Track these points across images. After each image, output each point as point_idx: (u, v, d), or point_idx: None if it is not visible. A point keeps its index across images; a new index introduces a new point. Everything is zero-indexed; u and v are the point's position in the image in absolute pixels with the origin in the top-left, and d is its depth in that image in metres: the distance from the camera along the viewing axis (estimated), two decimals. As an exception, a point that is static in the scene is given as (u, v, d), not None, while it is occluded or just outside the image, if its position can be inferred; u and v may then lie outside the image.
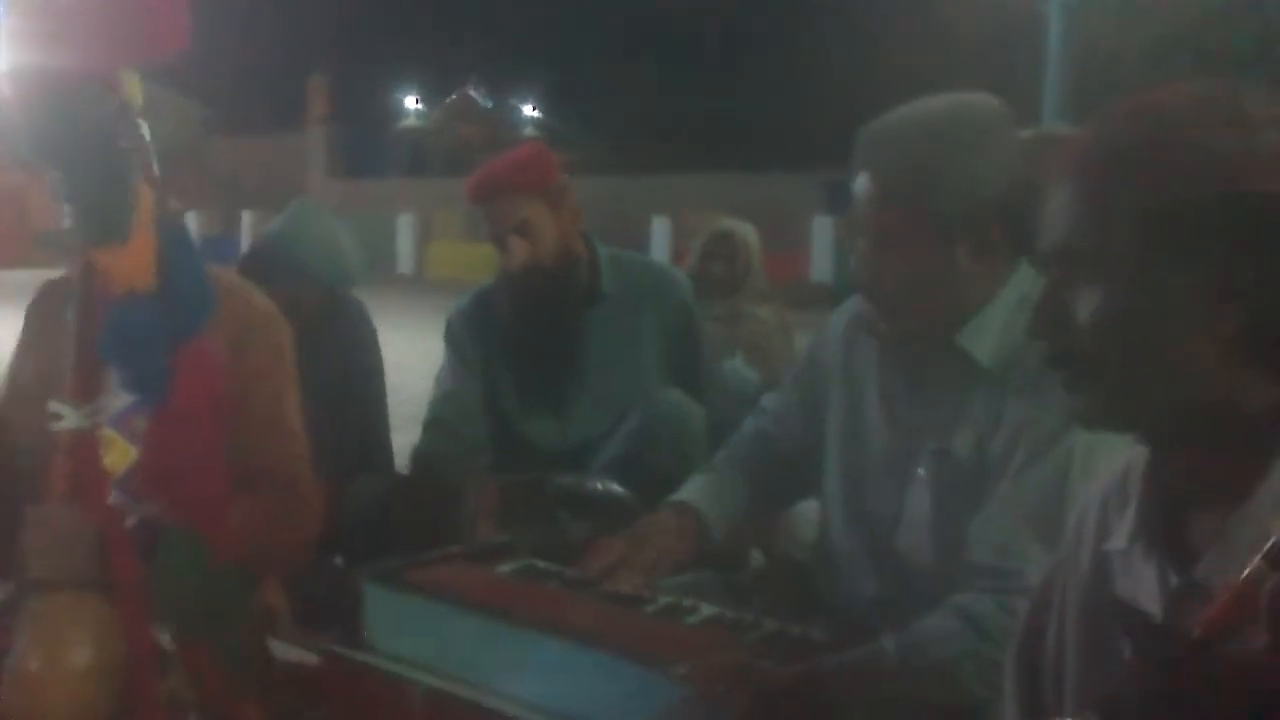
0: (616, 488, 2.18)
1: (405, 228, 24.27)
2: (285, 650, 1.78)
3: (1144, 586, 1.01)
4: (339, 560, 2.52)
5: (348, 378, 2.69)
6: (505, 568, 1.79)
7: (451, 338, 2.63)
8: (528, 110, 30.31)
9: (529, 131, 28.50)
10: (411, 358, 6.04)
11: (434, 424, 2.54)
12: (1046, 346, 1.03)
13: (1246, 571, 0.78)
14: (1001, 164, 1.52)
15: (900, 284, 1.56)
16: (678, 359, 2.55)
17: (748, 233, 4.18)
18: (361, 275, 2.85)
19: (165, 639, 1.45)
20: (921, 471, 1.61)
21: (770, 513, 1.99)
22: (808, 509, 2.02)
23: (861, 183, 1.57)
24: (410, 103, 31.13)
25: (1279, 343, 0.94)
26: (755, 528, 2.22)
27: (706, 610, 1.62)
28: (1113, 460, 1.12)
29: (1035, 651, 1.16)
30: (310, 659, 1.73)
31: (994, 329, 1.57)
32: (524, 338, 2.51)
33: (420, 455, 2.49)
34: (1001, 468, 1.52)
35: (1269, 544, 0.77)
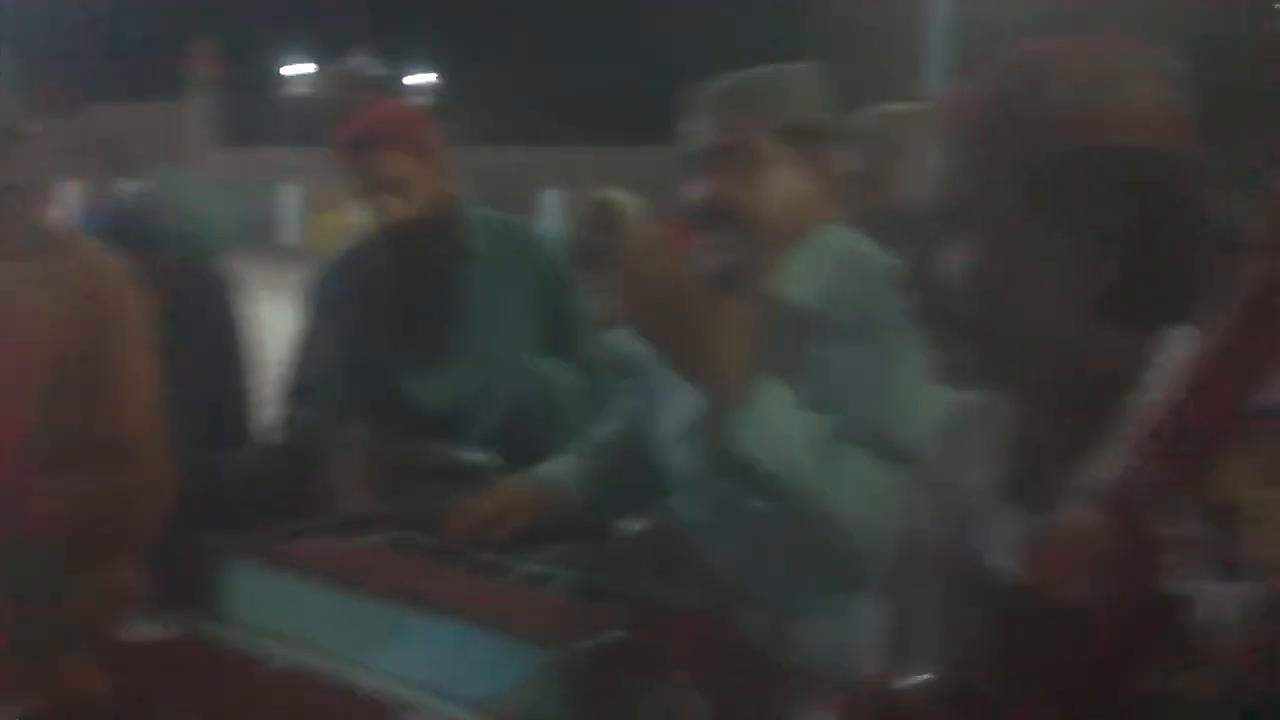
0: (489, 458, 2.16)
1: (293, 197, 23.80)
2: (143, 628, 1.73)
3: (1000, 534, 1.02)
4: (208, 535, 2.45)
5: (215, 349, 2.62)
6: (372, 539, 1.77)
7: (315, 300, 2.58)
8: (420, 78, 29.85)
9: (421, 99, 28.09)
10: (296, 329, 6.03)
11: (299, 392, 2.49)
12: (917, 304, 1.03)
13: (1072, 519, 0.79)
14: (824, 96, 1.71)
15: (752, 203, 1.64)
16: (552, 323, 2.53)
17: (630, 203, 4.16)
18: (230, 244, 2.78)
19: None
20: None
21: (646, 490, 2.00)
22: None
23: (708, 116, 1.68)
24: (300, 69, 30.49)
25: (1148, 299, 0.95)
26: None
27: (568, 578, 1.62)
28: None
29: (904, 580, 1.17)
30: (170, 636, 1.69)
31: (809, 272, 1.62)
32: (395, 295, 2.48)
33: (285, 424, 2.45)
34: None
35: (1096, 490, 0.78)
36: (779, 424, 1.51)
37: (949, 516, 1.10)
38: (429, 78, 31.32)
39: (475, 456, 2.18)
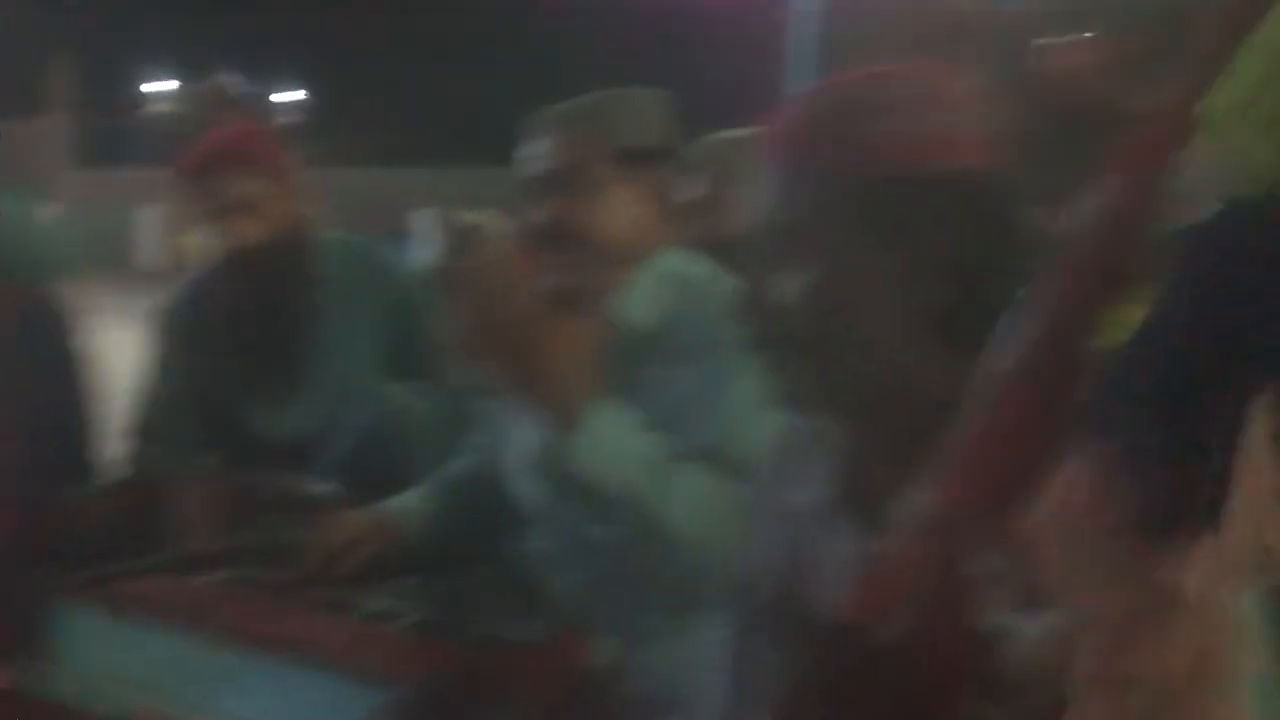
0: (334, 489, 2.12)
1: (152, 219, 23.15)
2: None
3: (833, 553, 1.02)
4: (42, 575, 2.35)
5: (52, 378, 2.52)
6: (212, 577, 1.71)
7: (161, 331, 2.50)
8: (285, 97, 29.31)
9: (284, 119, 27.60)
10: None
11: (144, 424, 2.41)
12: (751, 329, 1.03)
13: (884, 551, 0.79)
14: (662, 120, 1.74)
15: (591, 225, 1.66)
16: (406, 348, 2.48)
17: (495, 224, 4.13)
18: (73, 269, 2.67)
19: None
20: None
21: (499, 523, 1.99)
22: None
23: (545, 141, 1.71)
24: (161, 89, 29.70)
25: (980, 323, 0.97)
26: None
27: (411, 614, 1.59)
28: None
29: (745, 600, 1.16)
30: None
31: (647, 296, 1.64)
32: (244, 323, 2.40)
33: (128, 458, 2.36)
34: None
35: (907, 522, 0.79)
36: (617, 446, 1.51)
37: (781, 542, 1.10)
38: (296, 97, 30.82)
39: (321, 488, 2.12)
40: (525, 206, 1.73)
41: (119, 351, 2.77)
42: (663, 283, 1.66)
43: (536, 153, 1.72)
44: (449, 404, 2.44)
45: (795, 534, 1.09)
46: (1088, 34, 3.33)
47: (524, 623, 1.57)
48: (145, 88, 31.52)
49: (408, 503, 1.87)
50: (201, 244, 2.43)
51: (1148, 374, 0.68)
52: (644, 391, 1.58)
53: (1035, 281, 0.76)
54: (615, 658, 1.48)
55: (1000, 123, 1.01)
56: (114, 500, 2.26)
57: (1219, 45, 0.69)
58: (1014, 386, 0.76)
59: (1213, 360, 0.66)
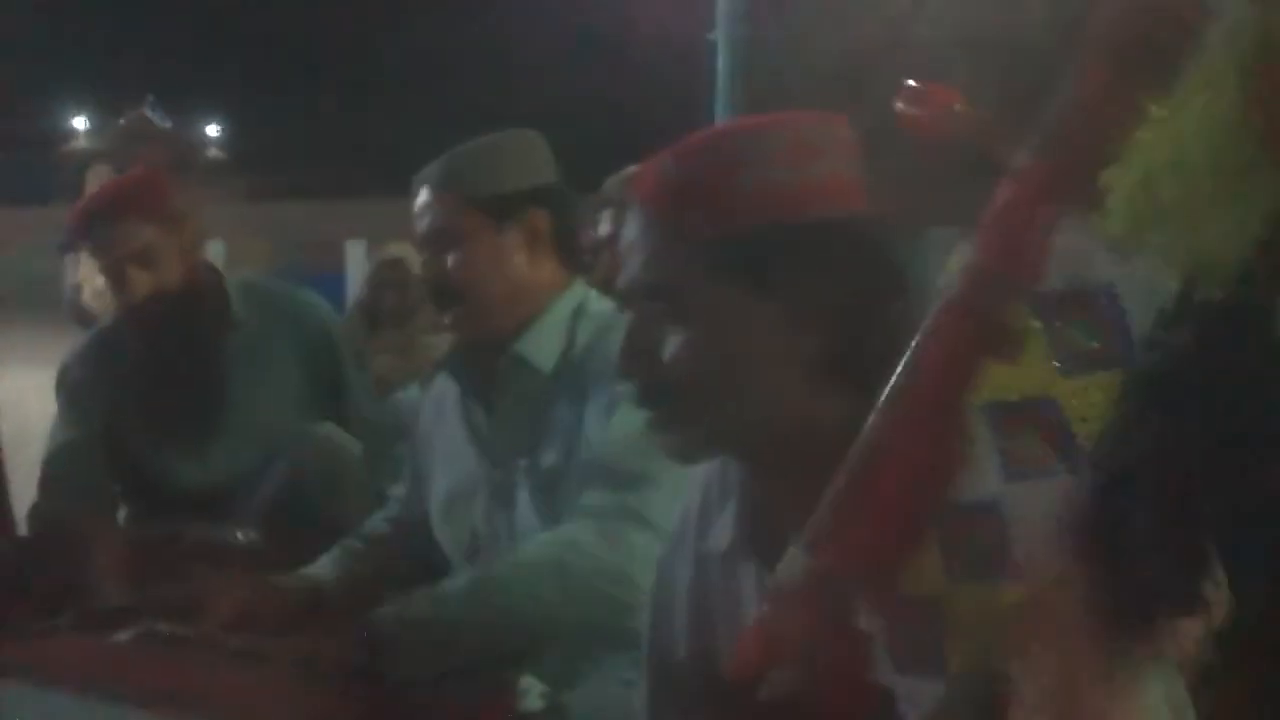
0: (252, 536, 2.06)
1: (74, 260, 22.74)
2: None
3: (744, 591, 1.02)
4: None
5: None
6: (122, 635, 1.65)
7: (65, 386, 2.43)
8: (210, 130, 29.02)
9: (212, 153, 27.34)
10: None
11: (50, 481, 2.34)
12: (636, 386, 1.02)
13: (767, 611, 0.78)
14: (528, 164, 1.72)
15: (469, 279, 1.66)
16: (324, 388, 2.44)
17: (418, 260, 4.08)
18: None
19: None
20: (522, 495, 1.62)
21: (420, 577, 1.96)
22: None
23: (420, 198, 1.70)
24: (79, 123, 29.28)
25: (855, 361, 0.96)
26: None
27: (334, 665, 1.54)
28: None
29: (655, 643, 1.16)
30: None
31: (552, 335, 1.65)
32: (150, 375, 2.35)
33: (36, 517, 2.27)
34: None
35: (791, 582, 0.77)
36: (533, 492, 1.55)
37: (697, 589, 1.09)
38: (223, 130, 30.50)
39: (238, 535, 2.07)
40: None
41: (40, 396, 2.68)
42: (563, 324, 1.66)
43: (415, 213, 1.72)
44: (375, 443, 2.40)
45: (708, 580, 1.07)
46: (951, 80, 3.42)
47: (449, 670, 1.52)
48: (73, 122, 31.10)
49: (322, 568, 1.83)
50: (107, 294, 2.37)
51: (1133, 466, 0.67)
52: (551, 433, 1.59)
53: (914, 338, 0.76)
54: (544, 703, 1.44)
55: (875, 166, 1.01)
56: (22, 555, 2.19)
57: (1089, 112, 0.69)
58: (890, 442, 0.75)
59: (1194, 455, 0.65)
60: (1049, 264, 0.70)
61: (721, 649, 1.05)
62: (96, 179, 5.09)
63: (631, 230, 1.02)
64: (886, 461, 0.75)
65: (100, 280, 2.44)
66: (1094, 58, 0.70)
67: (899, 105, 3.32)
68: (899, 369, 0.75)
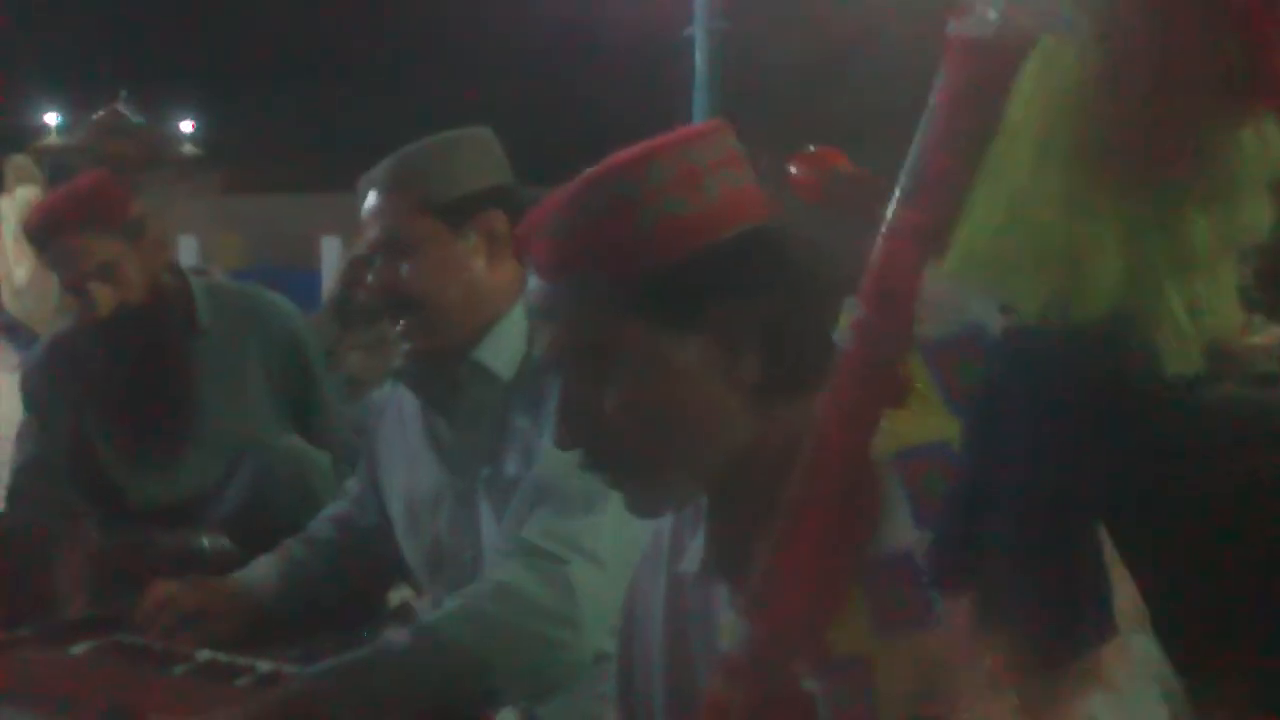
0: (218, 542, 2.02)
1: None
2: None
3: (718, 612, 1.00)
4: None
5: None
6: (82, 648, 1.62)
7: (28, 394, 2.38)
8: (184, 126, 28.78)
9: (186, 148, 27.12)
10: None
11: (17, 494, 2.29)
12: (583, 455, 0.98)
13: (708, 692, 0.76)
14: (482, 163, 1.64)
15: (424, 287, 1.59)
16: (293, 395, 2.39)
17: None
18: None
19: None
20: (484, 505, 1.58)
21: (364, 590, 1.93)
22: None
23: (369, 202, 1.63)
24: (50, 119, 29.02)
25: (800, 373, 0.94)
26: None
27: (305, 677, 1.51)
28: None
29: (624, 666, 1.14)
30: None
31: (511, 342, 1.59)
32: (115, 385, 2.29)
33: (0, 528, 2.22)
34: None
35: (731, 652, 0.76)
36: (496, 502, 1.52)
37: (671, 584, 1.07)
38: (197, 124, 30.30)
39: (204, 543, 2.03)
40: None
41: (13, 403, 2.63)
42: (522, 328, 1.59)
43: (363, 218, 1.64)
44: (342, 453, 2.37)
45: (683, 600, 1.05)
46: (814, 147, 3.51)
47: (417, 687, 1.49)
48: (45, 118, 30.84)
49: (257, 571, 1.80)
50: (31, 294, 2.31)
51: (988, 512, 0.66)
52: (512, 442, 1.55)
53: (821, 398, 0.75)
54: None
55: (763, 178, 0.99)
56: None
57: (939, 154, 0.68)
58: (806, 501, 0.74)
59: (1044, 490, 0.64)
60: (925, 309, 0.70)
61: (698, 670, 1.03)
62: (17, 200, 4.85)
63: (538, 296, 0.98)
64: (805, 520, 0.74)
65: (20, 277, 2.38)
66: (942, 98, 0.69)
67: (791, 170, 3.38)
68: (807, 430, 0.74)
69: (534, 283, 0.99)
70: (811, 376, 0.94)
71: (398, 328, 1.63)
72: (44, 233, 2.24)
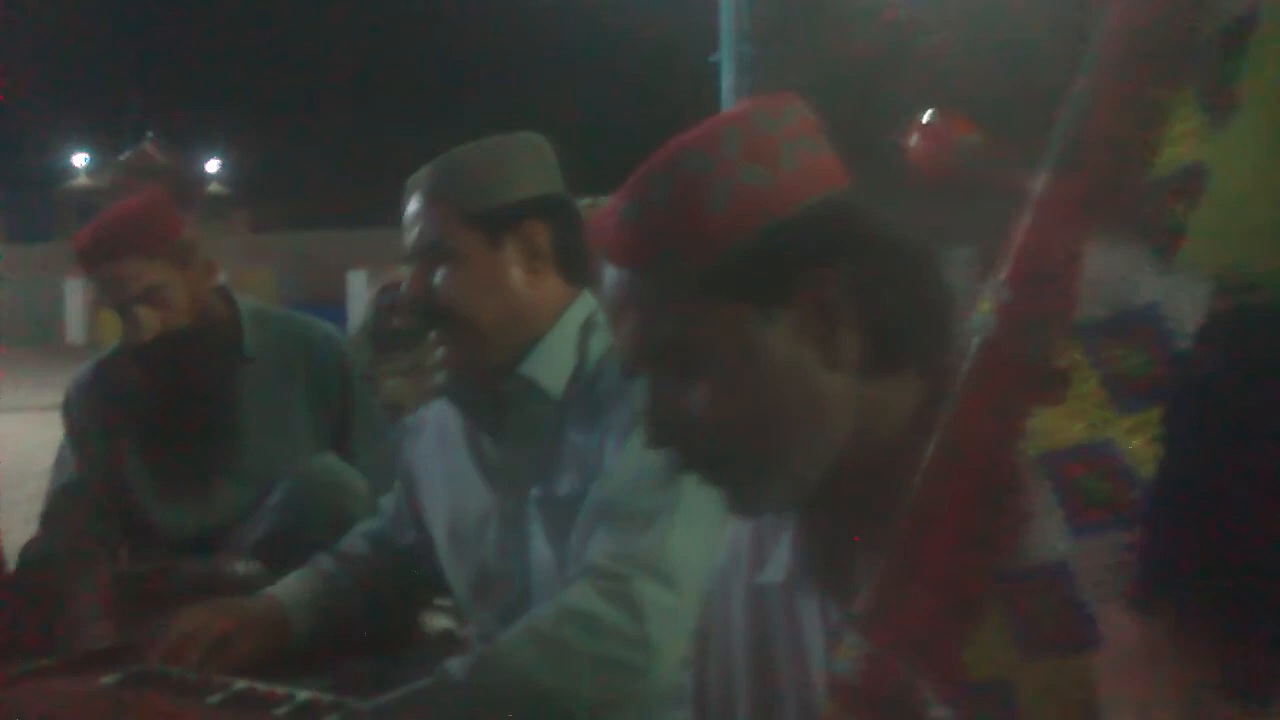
0: (256, 568, 1.95)
1: (74, 292, 22.69)
2: None
3: (806, 624, 0.93)
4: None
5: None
6: (110, 678, 1.55)
7: (69, 416, 2.33)
8: (210, 165, 29.03)
9: (214, 187, 27.38)
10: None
11: (52, 517, 2.23)
12: (676, 458, 0.91)
13: (837, 660, 0.68)
14: (527, 171, 1.56)
15: (460, 299, 1.51)
16: (337, 424, 2.33)
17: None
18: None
19: None
20: (534, 525, 1.51)
21: (397, 611, 1.85)
22: None
23: (410, 206, 1.55)
24: (80, 161, 29.32)
25: (897, 350, 0.87)
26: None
27: (348, 707, 1.43)
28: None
29: (699, 682, 1.06)
30: None
31: (560, 357, 1.52)
32: (156, 413, 2.24)
33: (29, 554, 2.16)
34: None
35: (852, 619, 0.67)
36: (547, 523, 1.45)
37: (753, 596, 0.99)
38: (220, 164, 30.53)
39: (236, 568, 1.96)
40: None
41: (40, 431, 2.58)
42: (571, 342, 1.53)
43: (404, 223, 1.56)
44: (384, 472, 2.30)
45: (766, 613, 0.97)
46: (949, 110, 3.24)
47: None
48: (72, 159, 31.16)
49: (287, 588, 1.72)
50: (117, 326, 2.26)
51: (1198, 519, 0.57)
52: (564, 460, 1.48)
53: (952, 395, 0.67)
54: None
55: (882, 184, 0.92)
56: (11, 594, 2.09)
57: (1106, 117, 0.60)
58: (938, 506, 0.67)
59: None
60: (1086, 290, 0.63)
61: (783, 688, 0.95)
62: None
63: (613, 293, 0.91)
64: (936, 528, 0.66)
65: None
66: (1107, 56, 0.61)
67: (909, 142, 3.15)
68: (939, 425, 0.66)
69: (609, 275, 0.92)
70: (913, 354, 0.87)
71: (435, 343, 1.55)
72: (92, 255, 2.19)
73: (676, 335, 0.88)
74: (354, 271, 21.67)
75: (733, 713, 1.02)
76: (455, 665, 1.35)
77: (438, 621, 1.99)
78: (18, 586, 2.07)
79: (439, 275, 1.52)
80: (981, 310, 0.66)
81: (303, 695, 1.47)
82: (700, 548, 1.31)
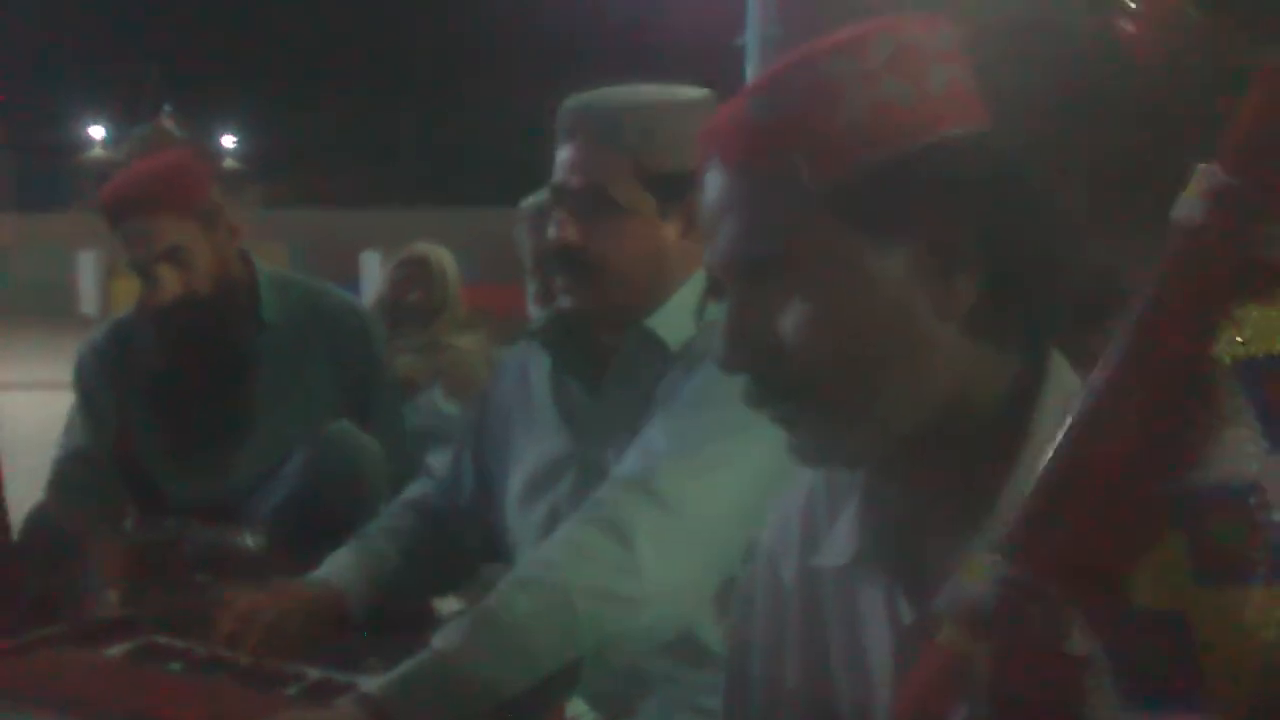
0: (262, 539, 1.89)
1: (88, 264, 22.66)
2: None
3: (868, 616, 0.85)
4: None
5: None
6: (118, 649, 1.48)
7: (82, 380, 2.26)
8: (226, 141, 29.01)
9: (229, 163, 27.35)
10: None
11: (59, 482, 2.17)
12: (753, 384, 0.83)
13: (937, 642, 0.60)
14: (690, 138, 1.40)
15: (615, 256, 1.42)
16: (355, 393, 2.27)
17: (443, 258, 3.91)
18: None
19: None
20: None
21: (444, 585, 1.78)
22: None
23: (569, 149, 1.44)
24: (96, 133, 29.31)
25: (1018, 309, 0.79)
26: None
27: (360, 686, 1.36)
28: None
29: (737, 660, 0.99)
30: None
31: (685, 313, 1.44)
32: (170, 377, 2.17)
33: (34, 519, 2.10)
34: None
35: (967, 597, 0.59)
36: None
37: (804, 579, 0.91)
38: (236, 140, 30.50)
39: (246, 539, 1.89)
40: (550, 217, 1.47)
41: (47, 401, 2.52)
42: (695, 302, 1.45)
43: (558, 157, 1.45)
44: (401, 444, 2.24)
45: (812, 606, 0.89)
46: None
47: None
48: (88, 130, 31.16)
49: (341, 566, 1.61)
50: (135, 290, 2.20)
51: None
52: (677, 409, 1.38)
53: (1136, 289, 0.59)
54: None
55: (993, 76, 0.83)
56: (15, 561, 2.03)
57: None
58: (1113, 411, 0.58)
59: None
60: None
61: (836, 678, 0.87)
62: None
63: (717, 196, 0.83)
64: (1109, 437, 0.57)
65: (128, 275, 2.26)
66: None
67: (1121, 24, 3.07)
68: (1124, 319, 0.58)
69: (713, 180, 0.83)
70: (1036, 323, 0.80)
71: (559, 283, 1.46)
72: (119, 209, 2.12)
73: (780, 248, 0.80)
74: (368, 252, 21.58)
75: (777, 702, 0.94)
76: (452, 630, 1.26)
77: (450, 603, 1.92)
78: (22, 554, 2.00)
79: (595, 228, 1.42)
80: (1189, 193, 0.58)
81: (314, 674, 1.41)
82: (700, 473, 1.27)
